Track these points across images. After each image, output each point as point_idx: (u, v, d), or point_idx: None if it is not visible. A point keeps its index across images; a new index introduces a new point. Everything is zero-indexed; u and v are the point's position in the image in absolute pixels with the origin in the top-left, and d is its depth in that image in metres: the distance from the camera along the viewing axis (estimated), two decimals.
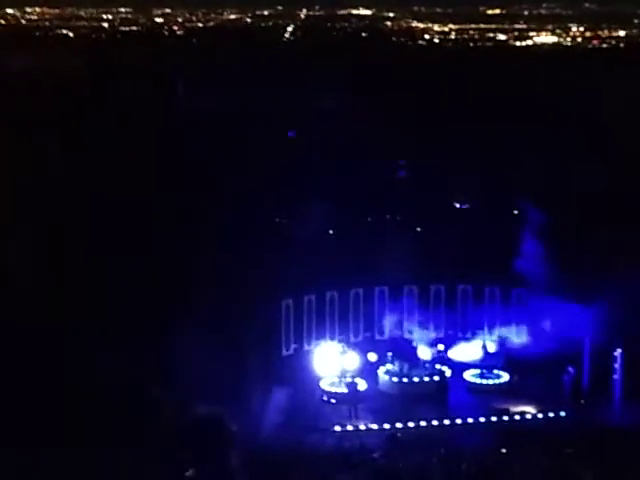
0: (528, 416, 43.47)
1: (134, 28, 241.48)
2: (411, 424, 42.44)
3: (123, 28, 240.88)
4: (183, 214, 57.42)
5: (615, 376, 43.92)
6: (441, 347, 48.58)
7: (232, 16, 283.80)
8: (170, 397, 40.33)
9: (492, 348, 48.72)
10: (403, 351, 48.05)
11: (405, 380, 46.49)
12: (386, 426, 42.32)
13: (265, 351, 44.24)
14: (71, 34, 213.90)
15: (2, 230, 51.98)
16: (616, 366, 43.87)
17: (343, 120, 76.56)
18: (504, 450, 38.90)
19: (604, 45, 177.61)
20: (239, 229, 54.87)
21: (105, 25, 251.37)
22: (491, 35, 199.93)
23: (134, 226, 54.54)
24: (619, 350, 43.71)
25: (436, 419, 42.85)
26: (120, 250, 50.77)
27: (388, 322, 49.95)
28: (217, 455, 37.13)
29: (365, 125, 75.94)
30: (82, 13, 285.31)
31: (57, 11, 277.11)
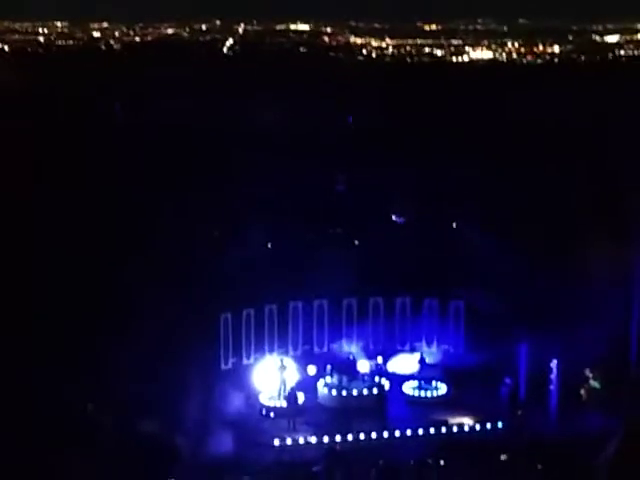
0: (466, 427, 43.73)
1: (70, 42, 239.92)
2: (350, 437, 42.48)
3: (60, 42, 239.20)
4: (117, 230, 57.03)
5: (551, 386, 44.38)
6: (380, 360, 48.69)
7: (170, 30, 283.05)
8: (107, 414, 39.98)
9: (430, 360, 48.98)
10: (342, 364, 48.09)
11: (344, 393, 46.51)
12: (325, 439, 42.30)
13: (203, 366, 44.01)
14: (6, 48, 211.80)
15: None
16: (552, 377, 44.34)
17: (280, 134, 76.72)
18: (442, 462, 39.06)
19: (539, 60, 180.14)
20: (175, 244, 54.64)
21: (41, 39, 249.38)
22: (428, 50, 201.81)
23: (66, 240, 54.03)
24: (555, 361, 44.19)
25: (375, 432, 42.93)
26: (49, 260, 50.31)
27: (327, 335, 49.96)
28: (156, 472, 36.83)
29: (303, 139, 76.17)
30: (17, 27, 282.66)
31: None
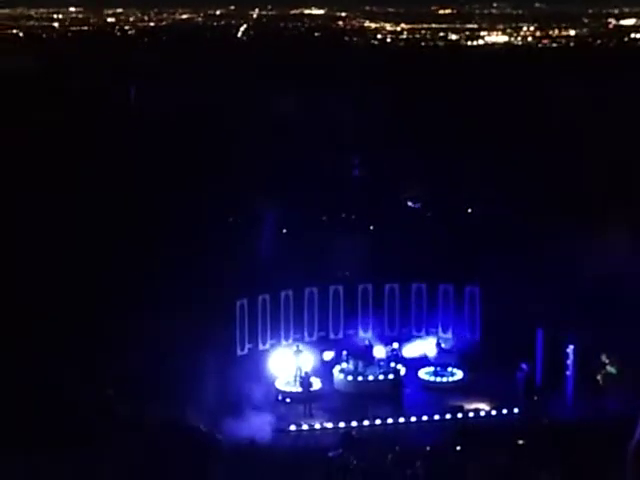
0: (482, 413, 43.71)
1: (85, 28, 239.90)
2: (366, 422, 42.53)
3: (74, 28, 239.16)
4: (133, 214, 57.10)
5: (568, 372, 44.29)
6: (396, 345, 48.68)
7: (184, 16, 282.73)
8: (123, 399, 40.09)
9: (446, 346, 48.94)
10: (358, 350, 48.14)
11: (360, 379, 46.54)
12: (341, 425, 42.36)
13: (220, 351, 44.08)
14: (21, 34, 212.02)
15: None
16: (568, 362, 44.24)
17: (296, 119, 76.63)
18: (458, 447, 39.03)
19: (554, 44, 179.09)
20: (193, 229, 54.72)
21: (56, 25, 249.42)
22: (443, 35, 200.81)
23: (87, 229, 54.15)
24: (571, 346, 44.09)
25: (391, 417, 42.98)
26: (67, 247, 50.42)
27: (343, 321, 49.97)
28: (173, 456, 36.94)
29: (318, 124, 76.08)
30: (32, 13, 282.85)
31: (7, 11, 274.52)
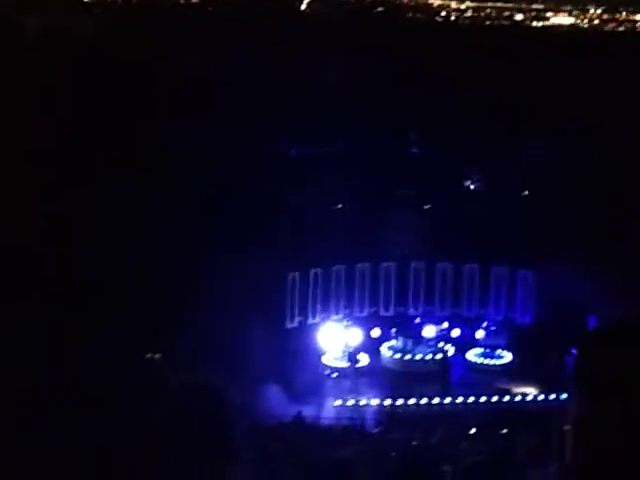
0: (529, 397, 43.51)
1: None
2: (412, 401, 42.51)
3: None
4: (187, 190, 57.15)
5: None
6: (446, 325, 48.53)
7: None
8: (174, 367, 40.45)
9: (496, 328, 48.69)
10: (407, 328, 48.07)
11: (408, 357, 46.52)
12: (387, 402, 42.39)
13: (269, 323, 44.28)
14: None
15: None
16: None
17: (355, 94, 76.21)
18: (504, 430, 38.90)
19: (621, 28, 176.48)
20: (246, 203, 54.72)
21: None
22: (508, 14, 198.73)
23: (138, 210, 54.12)
24: None
25: (437, 397, 42.92)
26: (120, 233, 50.50)
27: (393, 298, 49.89)
28: (219, 423, 37.21)
29: (377, 100, 75.60)
30: None
31: None
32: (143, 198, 53.57)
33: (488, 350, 47.39)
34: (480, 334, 48.15)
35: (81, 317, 41.89)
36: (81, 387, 36.98)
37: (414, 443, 38.11)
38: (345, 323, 46.89)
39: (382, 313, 50.05)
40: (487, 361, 46.95)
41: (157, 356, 42.10)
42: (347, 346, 45.98)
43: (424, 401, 42.63)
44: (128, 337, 40.85)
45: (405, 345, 46.92)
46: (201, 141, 64.26)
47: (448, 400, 42.95)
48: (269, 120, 68.52)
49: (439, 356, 46.26)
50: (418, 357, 46.40)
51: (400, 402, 42.34)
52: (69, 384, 36.95)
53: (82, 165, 56.67)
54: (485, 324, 48.51)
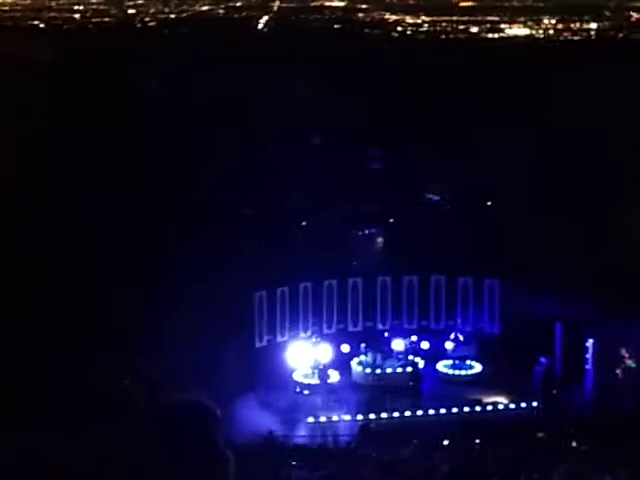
0: (500, 406, 43.61)
1: (106, 19, 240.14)
2: (384, 415, 42.49)
3: (95, 19, 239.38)
4: (154, 205, 57.01)
5: (587, 366, 44.11)
6: (414, 338, 48.58)
7: (205, 7, 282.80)
8: (141, 390, 40.11)
9: (465, 339, 48.80)
10: (376, 342, 48.07)
11: (378, 371, 46.50)
12: (359, 417, 42.33)
13: (238, 343, 44.11)
14: (43, 25, 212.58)
15: None
16: (588, 356, 44.07)
17: (316, 111, 76.36)
18: (477, 440, 38.95)
19: (575, 37, 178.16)
20: (211, 221, 54.60)
21: (76, 16, 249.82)
22: (463, 27, 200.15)
23: (108, 219, 54.01)
24: (591, 340, 43.91)
25: (409, 410, 42.92)
26: (96, 239, 50.35)
27: (361, 313, 49.88)
28: (189, 446, 36.86)
29: (338, 116, 75.83)
30: (53, 4, 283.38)
31: (28, 2, 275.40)
32: (103, 217, 53.39)
33: (457, 361, 47.45)
34: (449, 345, 48.22)
35: (38, 333, 41.55)
36: (40, 403, 36.66)
37: (386, 457, 38.03)
38: (314, 340, 46.80)
39: (350, 329, 50.02)
40: (457, 372, 47.01)
41: (125, 381, 41.73)
42: (317, 363, 45.87)
43: (396, 414, 42.59)
44: (90, 360, 40.48)
45: (375, 359, 46.90)
46: (164, 160, 64.17)
47: (420, 412, 42.94)
48: (231, 139, 68.49)
49: (409, 369, 46.22)
50: (388, 371, 46.39)
51: (372, 417, 42.26)
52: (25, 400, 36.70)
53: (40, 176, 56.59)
54: (453, 335, 48.57)
